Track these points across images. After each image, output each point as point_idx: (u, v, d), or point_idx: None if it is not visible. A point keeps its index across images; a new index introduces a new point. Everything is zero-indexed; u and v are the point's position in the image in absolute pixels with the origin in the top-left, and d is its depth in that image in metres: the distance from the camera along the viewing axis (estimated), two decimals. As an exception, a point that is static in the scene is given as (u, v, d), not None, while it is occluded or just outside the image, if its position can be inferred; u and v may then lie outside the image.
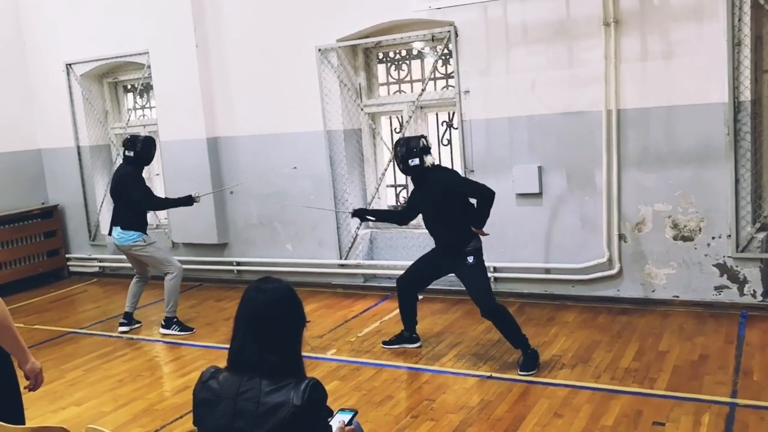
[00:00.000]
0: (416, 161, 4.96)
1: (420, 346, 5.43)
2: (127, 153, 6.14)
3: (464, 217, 4.98)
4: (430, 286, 6.77)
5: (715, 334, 5.24)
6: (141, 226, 6.16)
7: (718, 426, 3.88)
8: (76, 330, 6.70)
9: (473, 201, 5.05)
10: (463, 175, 5.03)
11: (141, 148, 6.10)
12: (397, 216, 5.64)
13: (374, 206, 7.32)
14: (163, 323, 6.31)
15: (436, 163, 5.15)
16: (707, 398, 4.21)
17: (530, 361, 4.85)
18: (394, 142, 5.17)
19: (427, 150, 5.02)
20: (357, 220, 7.20)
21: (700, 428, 3.86)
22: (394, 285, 6.97)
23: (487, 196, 4.90)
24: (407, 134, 6.96)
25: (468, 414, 4.27)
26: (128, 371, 5.50)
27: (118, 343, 6.20)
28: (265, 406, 2.18)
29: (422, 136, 5.11)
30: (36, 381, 2.93)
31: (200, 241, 7.91)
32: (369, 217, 5.77)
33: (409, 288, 5.35)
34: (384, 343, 5.53)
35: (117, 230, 6.15)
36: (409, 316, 5.42)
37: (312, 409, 2.19)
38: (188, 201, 6.25)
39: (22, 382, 2.96)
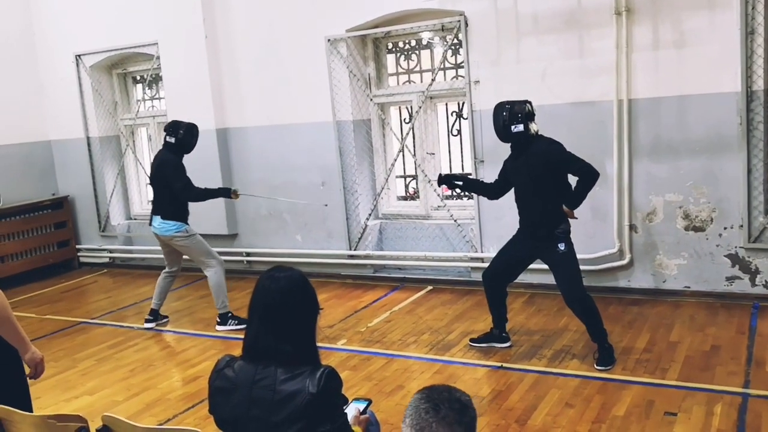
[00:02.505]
0: (520, 128, 4.61)
1: (510, 346, 5.11)
2: (168, 139, 5.87)
3: (559, 196, 4.68)
4: (442, 277, 6.89)
5: (726, 325, 5.23)
6: (183, 215, 5.93)
7: (731, 416, 3.87)
8: (88, 320, 6.74)
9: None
10: (567, 150, 4.65)
11: (183, 135, 5.83)
12: (489, 188, 5.18)
13: (384, 197, 7.33)
14: (219, 320, 6.06)
15: (539, 132, 4.74)
16: (719, 388, 4.20)
17: (607, 356, 4.68)
18: (494, 107, 4.74)
19: (532, 116, 4.67)
20: (366, 216, 7.20)
21: (713, 418, 3.86)
22: (403, 276, 7.08)
23: (591, 175, 4.60)
24: (417, 125, 6.97)
25: (479, 404, 4.27)
26: (140, 361, 5.53)
27: (130, 333, 6.23)
28: (280, 394, 2.19)
29: (527, 102, 4.72)
30: (36, 370, 2.95)
31: (210, 232, 7.90)
32: (456, 183, 5.30)
33: (496, 282, 5.02)
34: (471, 340, 5.22)
35: (157, 219, 5.93)
36: (498, 313, 5.09)
37: (327, 396, 2.19)
38: (226, 192, 6.07)
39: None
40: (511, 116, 4.64)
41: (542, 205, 4.71)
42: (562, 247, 4.68)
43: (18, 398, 2.91)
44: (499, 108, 4.72)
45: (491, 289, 5.07)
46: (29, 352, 2.90)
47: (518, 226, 4.97)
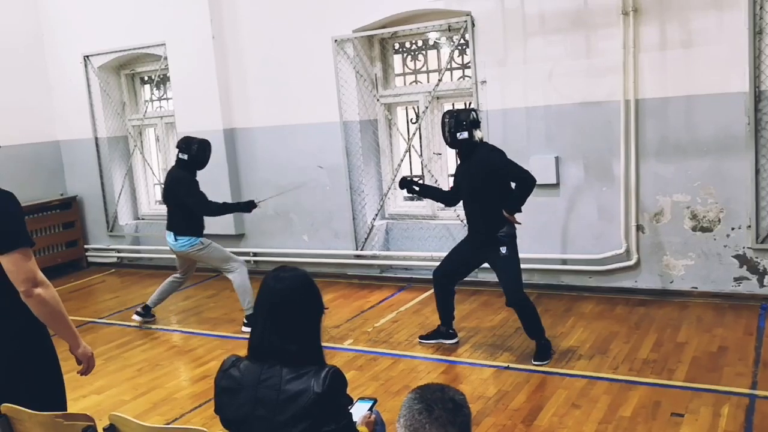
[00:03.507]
0: (465, 135, 4.79)
1: (457, 342, 5.30)
2: (180, 156, 5.87)
3: (501, 201, 4.83)
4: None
5: (734, 326, 5.21)
6: (197, 230, 5.94)
7: (738, 417, 3.86)
8: (95, 320, 6.77)
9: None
10: (508, 157, 4.84)
11: (196, 152, 5.84)
12: (445, 195, 5.40)
13: (390, 197, 7.33)
14: (245, 321, 6.02)
15: (484, 139, 4.96)
16: (726, 389, 4.19)
17: (544, 352, 4.86)
18: (442, 114, 4.98)
19: (477, 124, 4.85)
20: (373, 217, 7.22)
21: (720, 419, 3.84)
22: (410, 276, 7.09)
23: (527, 182, 4.75)
24: (424, 125, 6.97)
25: (485, 404, 4.27)
26: (147, 360, 5.56)
27: (137, 333, 6.26)
28: (286, 394, 2.20)
29: (473, 110, 4.97)
30: (88, 365, 2.98)
31: (217, 232, 7.92)
32: (415, 187, 5.38)
33: (445, 281, 5.20)
34: (420, 337, 5.42)
35: (171, 235, 5.95)
36: (445, 311, 5.28)
37: (332, 396, 2.20)
38: (248, 207, 6.00)
39: (69, 365, 3.00)
40: (456, 124, 4.82)
41: (483, 210, 4.88)
42: (503, 250, 4.83)
43: (52, 393, 2.92)
44: (446, 115, 4.92)
45: (441, 288, 5.24)
46: (81, 347, 2.93)
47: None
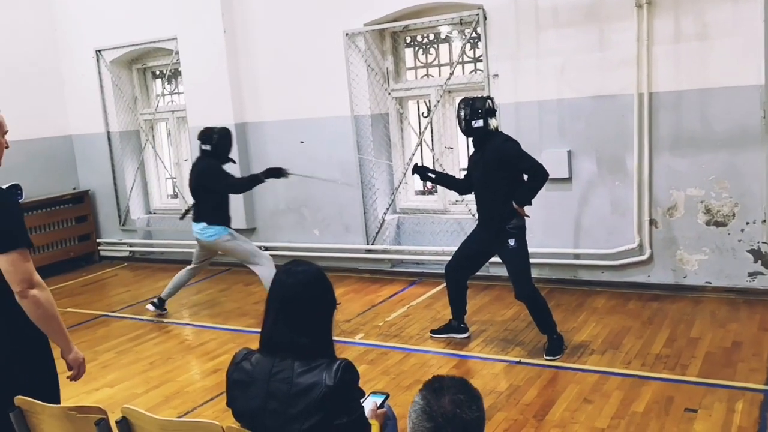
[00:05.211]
0: (480, 123, 4.77)
1: (468, 337, 5.28)
2: (203, 147, 5.95)
3: (512, 192, 4.80)
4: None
5: (748, 321, 5.16)
6: (225, 220, 6.03)
7: (752, 413, 3.83)
8: (108, 313, 6.80)
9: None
10: (522, 149, 4.81)
11: (218, 140, 5.93)
12: (458, 183, 5.35)
13: (401, 191, 7.32)
14: None
15: (500, 128, 4.96)
16: (741, 385, 4.15)
17: (556, 346, 4.83)
18: (458, 102, 4.98)
19: (492, 112, 4.82)
20: (384, 211, 7.20)
21: (734, 415, 3.81)
22: (421, 270, 7.08)
23: (539, 175, 4.71)
24: (435, 119, 6.95)
25: (497, 399, 4.26)
26: (159, 354, 5.58)
27: (149, 327, 6.28)
28: (297, 387, 2.20)
29: (488, 98, 4.94)
30: (79, 371, 2.96)
31: (228, 226, 7.96)
32: (430, 175, 5.38)
33: (457, 275, 5.18)
34: (432, 332, 5.41)
35: (201, 225, 5.98)
36: (457, 305, 5.26)
37: (344, 389, 2.20)
38: (278, 173, 5.98)
39: (62, 369, 3.00)
40: (472, 112, 4.79)
41: (494, 200, 4.85)
42: (512, 242, 4.82)
43: (48, 393, 2.93)
44: (461, 103, 4.88)
45: (453, 282, 5.22)
46: (72, 352, 2.89)
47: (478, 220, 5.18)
